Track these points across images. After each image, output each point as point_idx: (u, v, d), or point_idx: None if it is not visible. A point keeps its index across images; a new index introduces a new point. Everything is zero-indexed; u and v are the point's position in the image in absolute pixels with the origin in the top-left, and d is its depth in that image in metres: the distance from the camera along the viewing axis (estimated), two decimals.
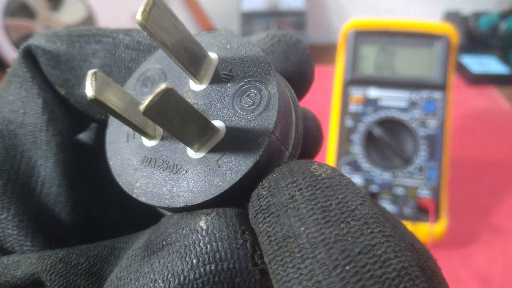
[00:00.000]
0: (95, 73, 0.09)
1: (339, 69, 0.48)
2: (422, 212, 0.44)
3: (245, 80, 0.10)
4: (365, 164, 0.45)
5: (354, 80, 0.46)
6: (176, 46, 0.10)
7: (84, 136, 0.15)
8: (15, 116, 0.13)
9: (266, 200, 0.09)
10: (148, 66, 0.12)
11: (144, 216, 0.13)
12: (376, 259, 0.08)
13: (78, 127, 0.15)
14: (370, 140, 0.46)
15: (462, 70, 0.78)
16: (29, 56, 0.14)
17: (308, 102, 0.14)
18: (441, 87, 0.45)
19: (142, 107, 0.08)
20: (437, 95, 0.45)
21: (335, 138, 0.46)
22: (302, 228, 0.08)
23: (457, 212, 0.48)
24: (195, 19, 0.92)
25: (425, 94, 0.45)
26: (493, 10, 0.77)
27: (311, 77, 0.13)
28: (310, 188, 0.09)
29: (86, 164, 0.14)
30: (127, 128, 0.11)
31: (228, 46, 0.11)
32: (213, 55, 0.11)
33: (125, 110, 0.10)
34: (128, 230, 0.13)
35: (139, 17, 0.09)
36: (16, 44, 0.85)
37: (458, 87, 0.76)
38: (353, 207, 0.09)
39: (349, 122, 0.46)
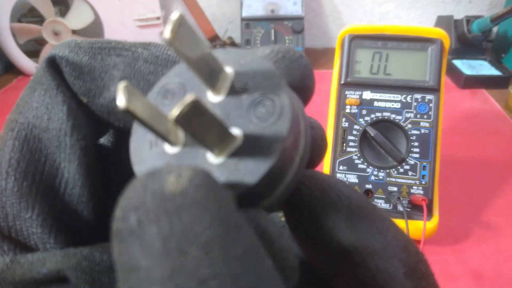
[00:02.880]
0: (126, 86, 0.10)
1: (335, 72, 0.49)
2: (415, 210, 0.45)
3: (259, 92, 0.11)
4: (360, 164, 0.46)
5: (350, 83, 0.48)
6: (198, 61, 0.11)
7: (103, 140, 0.16)
8: (40, 122, 0.13)
9: (120, 223, 0.08)
10: (168, 80, 0.13)
11: None
12: None
13: (99, 132, 0.15)
14: (365, 140, 0.47)
15: (454, 73, 0.79)
16: (53, 66, 0.14)
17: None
18: (434, 89, 0.46)
19: (174, 115, 0.09)
20: (430, 97, 0.46)
21: (331, 138, 0.47)
22: (145, 261, 0.08)
23: (450, 210, 0.49)
24: (197, 24, 0.93)
25: (418, 96, 0.46)
26: (486, 15, 0.79)
27: (312, 90, 0.14)
28: (157, 211, 0.08)
29: (104, 167, 0.15)
30: (149, 137, 0.12)
31: (242, 61, 0.12)
32: (228, 70, 0.12)
33: (151, 119, 0.10)
34: None
35: (167, 36, 0.09)
36: (23, 48, 0.85)
37: (451, 90, 0.77)
38: (199, 230, 0.08)
39: (345, 123, 0.47)
